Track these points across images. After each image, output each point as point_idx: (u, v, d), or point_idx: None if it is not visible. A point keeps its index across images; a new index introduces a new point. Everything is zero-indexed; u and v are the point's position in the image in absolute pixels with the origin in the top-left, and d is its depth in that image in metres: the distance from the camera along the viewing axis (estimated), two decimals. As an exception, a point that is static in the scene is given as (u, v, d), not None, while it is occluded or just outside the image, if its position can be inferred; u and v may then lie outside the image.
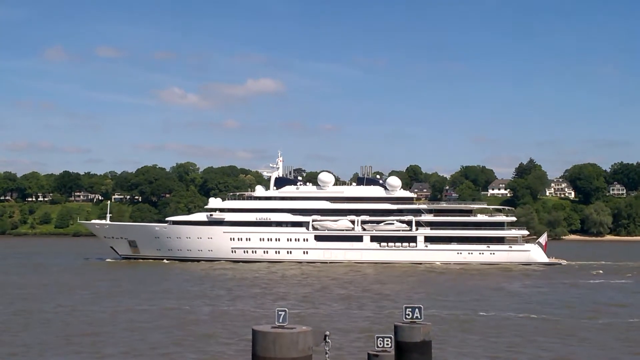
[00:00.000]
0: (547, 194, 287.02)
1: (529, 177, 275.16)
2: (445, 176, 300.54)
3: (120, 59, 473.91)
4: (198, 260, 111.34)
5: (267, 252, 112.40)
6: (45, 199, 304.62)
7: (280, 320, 16.12)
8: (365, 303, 59.35)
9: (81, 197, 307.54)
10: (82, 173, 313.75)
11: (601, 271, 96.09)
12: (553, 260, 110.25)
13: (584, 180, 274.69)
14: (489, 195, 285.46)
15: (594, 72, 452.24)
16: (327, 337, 17.52)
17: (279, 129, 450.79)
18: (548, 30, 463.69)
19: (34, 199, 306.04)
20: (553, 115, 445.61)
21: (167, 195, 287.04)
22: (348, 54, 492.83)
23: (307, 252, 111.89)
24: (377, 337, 20.99)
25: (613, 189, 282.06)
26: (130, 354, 37.89)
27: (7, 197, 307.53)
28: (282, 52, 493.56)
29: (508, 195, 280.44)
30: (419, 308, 21.29)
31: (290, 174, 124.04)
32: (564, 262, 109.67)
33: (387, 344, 20.77)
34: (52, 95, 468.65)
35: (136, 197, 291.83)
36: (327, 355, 17.95)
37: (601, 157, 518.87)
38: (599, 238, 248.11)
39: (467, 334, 43.86)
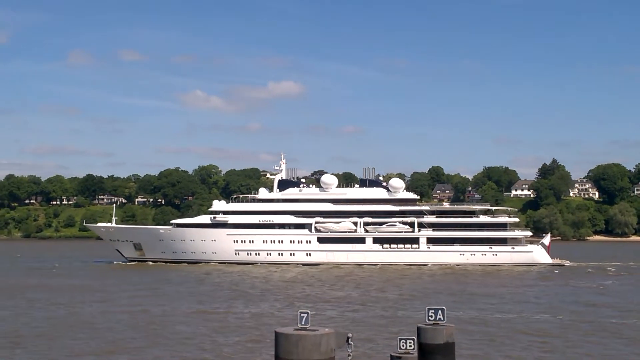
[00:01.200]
0: (571, 194, 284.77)
1: (552, 177, 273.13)
2: (467, 177, 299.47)
3: (144, 63, 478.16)
4: (202, 262, 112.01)
5: (270, 254, 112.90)
6: (70, 202, 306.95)
7: (303, 323, 16.11)
8: (386, 304, 59.23)
9: (104, 200, 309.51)
10: (105, 176, 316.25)
11: (590, 270, 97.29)
12: (557, 261, 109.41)
13: (608, 180, 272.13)
14: (512, 196, 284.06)
15: (618, 71, 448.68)
16: (349, 339, 17.49)
17: (301, 131, 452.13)
18: (572, 30, 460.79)
19: (58, 203, 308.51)
20: (577, 116, 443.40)
21: (190, 197, 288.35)
22: (369, 55, 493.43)
23: (309, 254, 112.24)
24: (400, 339, 20.92)
25: (638, 189, 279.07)
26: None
27: (32, 201, 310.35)
28: (303, 55, 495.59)
29: (531, 196, 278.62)
30: (442, 310, 21.19)
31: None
32: (567, 262, 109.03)
33: (410, 346, 20.69)
34: (76, 100, 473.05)
35: (159, 200, 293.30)
36: (349, 357, 17.92)
37: (625, 157, 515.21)
38: (623, 239, 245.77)
39: (490, 336, 43.60)
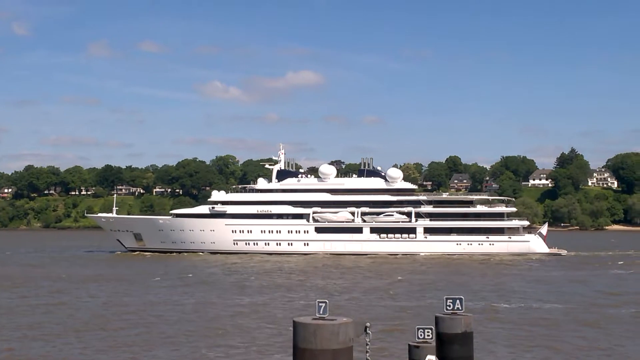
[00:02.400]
0: (590, 184, 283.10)
1: (570, 167, 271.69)
2: (485, 167, 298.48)
3: (163, 54, 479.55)
4: (201, 252, 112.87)
5: (268, 244, 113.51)
6: (88, 193, 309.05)
7: (321, 312, 16.16)
8: (399, 294, 59.36)
9: (123, 190, 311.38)
10: (124, 167, 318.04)
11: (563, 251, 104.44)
12: (554, 250, 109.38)
13: (627, 169, 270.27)
14: (530, 185, 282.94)
15: (637, 60, 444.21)
16: (367, 329, 17.54)
17: (320, 121, 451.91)
18: (592, 19, 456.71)
19: (77, 193, 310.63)
20: (595, 105, 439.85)
21: (207, 188, 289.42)
22: (389, 45, 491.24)
23: (307, 244, 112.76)
24: (418, 329, 20.97)
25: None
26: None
27: (51, 191, 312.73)
28: (322, 45, 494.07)
29: (549, 185, 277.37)
30: (460, 299, 21.19)
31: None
32: (564, 252, 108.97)
33: (428, 335, 20.74)
34: (95, 91, 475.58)
35: (177, 190, 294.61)
36: (367, 347, 17.98)
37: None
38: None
39: (506, 325, 43.57)
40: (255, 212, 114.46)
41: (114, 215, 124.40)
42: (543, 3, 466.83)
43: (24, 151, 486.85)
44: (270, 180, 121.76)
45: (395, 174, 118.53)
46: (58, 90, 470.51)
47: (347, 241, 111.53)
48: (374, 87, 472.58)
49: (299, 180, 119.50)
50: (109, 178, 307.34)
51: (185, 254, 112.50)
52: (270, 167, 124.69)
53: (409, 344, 20.93)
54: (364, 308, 50.55)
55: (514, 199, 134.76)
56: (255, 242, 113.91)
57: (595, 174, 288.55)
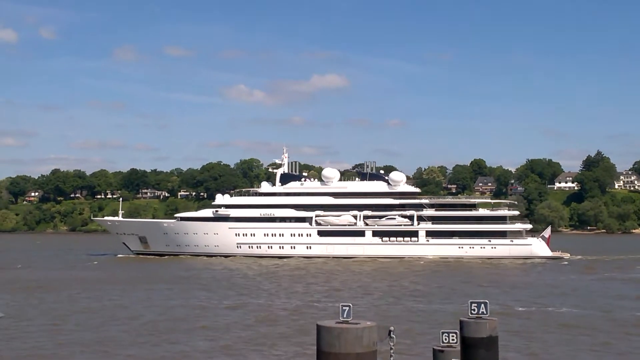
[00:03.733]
0: (616, 186, 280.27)
1: (596, 169, 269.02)
2: (510, 170, 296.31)
3: (188, 58, 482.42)
4: (204, 256, 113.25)
5: (271, 247, 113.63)
6: (114, 196, 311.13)
7: (345, 316, 16.11)
8: (422, 298, 59.08)
9: (148, 194, 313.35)
10: (149, 170, 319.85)
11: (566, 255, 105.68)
12: (556, 254, 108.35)
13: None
14: (555, 188, 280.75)
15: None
16: (391, 332, 17.43)
17: (344, 124, 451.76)
18: (618, 22, 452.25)
19: (102, 197, 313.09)
20: (622, 108, 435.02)
21: (232, 191, 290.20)
22: (414, 48, 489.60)
23: (310, 247, 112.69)
24: (442, 333, 20.83)
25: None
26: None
27: (77, 195, 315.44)
28: (347, 48, 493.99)
29: (575, 188, 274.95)
30: (485, 303, 21.02)
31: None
32: (567, 255, 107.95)
33: (453, 340, 20.60)
34: (121, 95, 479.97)
35: (202, 194, 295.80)
36: (391, 351, 17.88)
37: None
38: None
39: (531, 329, 43.25)
40: (259, 215, 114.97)
41: (120, 218, 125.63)
42: (568, 4, 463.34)
43: (50, 155, 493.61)
44: (274, 184, 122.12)
45: (398, 177, 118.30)
46: (84, 94, 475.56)
47: (349, 244, 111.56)
48: (398, 90, 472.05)
49: (302, 184, 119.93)
50: (134, 182, 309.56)
51: (189, 256, 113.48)
52: (274, 170, 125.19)
53: (433, 348, 20.79)
54: (382, 312, 50.37)
55: (516, 202, 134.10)
56: (258, 245, 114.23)
57: (622, 177, 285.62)
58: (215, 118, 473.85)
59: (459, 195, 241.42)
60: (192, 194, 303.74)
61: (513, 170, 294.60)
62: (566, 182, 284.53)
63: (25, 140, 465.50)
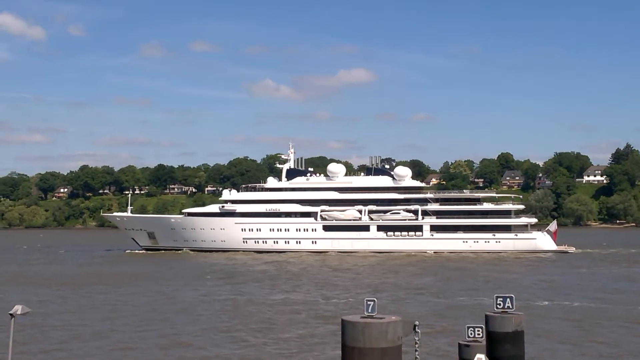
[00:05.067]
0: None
1: (626, 162, 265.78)
2: (538, 163, 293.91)
3: (214, 54, 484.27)
4: (211, 251, 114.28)
5: (276, 242, 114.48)
6: (142, 192, 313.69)
7: (370, 310, 16.19)
8: (444, 292, 58.92)
9: (175, 189, 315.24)
10: (176, 166, 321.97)
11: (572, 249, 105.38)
12: (562, 248, 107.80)
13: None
14: (584, 182, 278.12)
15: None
16: (416, 327, 17.48)
17: (371, 119, 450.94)
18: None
19: (130, 192, 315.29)
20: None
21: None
22: (441, 42, 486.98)
23: (315, 242, 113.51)
24: (468, 327, 20.82)
25: None
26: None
27: (105, 191, 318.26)
28: (374, 42, 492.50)
29: (604, 182, 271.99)
30: (511, 298, 21.00)
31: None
32: (572, 249, 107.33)
33: (479, 334, 20.58)
34: (148, 92, 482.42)
35: (228, 189, 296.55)
36: (416, 345, 17.93)
37: None
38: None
39: (556, 323, 42.96)
40: (264, 210, 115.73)
41: (128, 214, 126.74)
42: (597, 2, 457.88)
43: (79, 151, 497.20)
44: (280, 179, 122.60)
45: (403, 172, 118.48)
46: (111, 91, 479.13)
47: (354, 239, 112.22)
48: (425, 84, 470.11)
49: (307, 179, 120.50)
50: (161, 177, 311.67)
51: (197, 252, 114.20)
52: (280, 166, 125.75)
53: (459, 343, 20.80)
54: (413, 306, 50.33)
55: (521, 197, 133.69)
56: (264, 240, 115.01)
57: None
58: (241, 113, 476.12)
59: (486, 189, 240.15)
60: (219, 189, 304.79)
61: (541, 164, 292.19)
62: (595, 176, 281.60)
63: (54, 136, 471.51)
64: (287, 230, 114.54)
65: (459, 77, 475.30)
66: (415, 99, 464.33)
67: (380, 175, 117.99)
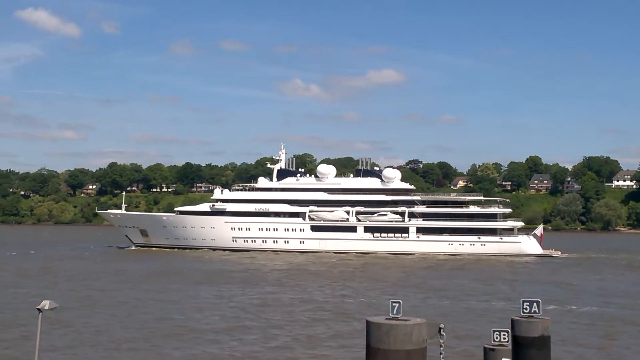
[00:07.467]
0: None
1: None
2: (567, 167, 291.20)
3: (244, 53, 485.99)
4: (201, 249, 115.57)
5: (265, 241, 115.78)
6: (169, 190, 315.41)
7: (394, 312, 16.13)
8: (465, 296, 58.64)
9: (202, 188, 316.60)
10: (203, 165, 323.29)
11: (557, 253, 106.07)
12: (547, 252, 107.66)
13: None
14: (613, 187, 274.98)
15: None
16: (441, 330, 17.38)
17: (399, 120, 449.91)
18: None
19: (158, 190, 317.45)
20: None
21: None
22: (470, 44, 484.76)
23: (303, 242, 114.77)
24: (494, 331, 20.70)
25: None
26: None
27: (133, 188, 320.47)
28: (404, 44, 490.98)
29: (634, 187, 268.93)
30: (537, 302, 20.82)
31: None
32: (557, 254, 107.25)
33: (504, 338, 20.44)
34: (177, 90, 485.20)
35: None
36: (441, 348, 17.84)
37: None
38: None
39: (578, 328, 42.69)
40: (254, 210, 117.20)
41: (122, 211, 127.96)
42: (629, 4, 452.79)
43: (108, 148, 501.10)
44: (271, 179, 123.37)
45: (391, 174, 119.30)
46: (141, 89, 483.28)
47: (341, 240, 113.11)
48: (453, 85, 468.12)
49: (297, 180, 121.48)
50: (189, 175, 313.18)
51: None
52: (271, 166, 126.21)
53: (484, 347, 20.69)
54: (437, 309, 50.17)
55: (508, 200, 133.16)
56: (253, 239, 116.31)
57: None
58: (269, 113, 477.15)
59: (513, 192, 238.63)
60: (246, 188, 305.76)
61: (570, 167, 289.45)
62: (624, 180, 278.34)
63: (84, 133, 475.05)
64: (275, 229, 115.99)
65: (488, 79, 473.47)
66: (444, 100, 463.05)
67: (369, 177, 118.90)
